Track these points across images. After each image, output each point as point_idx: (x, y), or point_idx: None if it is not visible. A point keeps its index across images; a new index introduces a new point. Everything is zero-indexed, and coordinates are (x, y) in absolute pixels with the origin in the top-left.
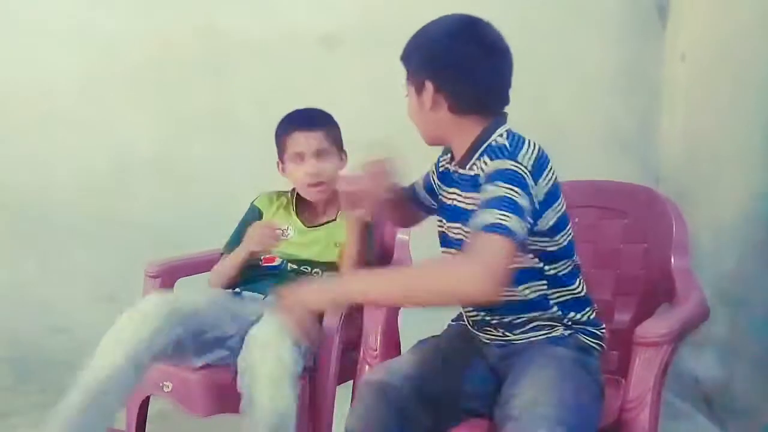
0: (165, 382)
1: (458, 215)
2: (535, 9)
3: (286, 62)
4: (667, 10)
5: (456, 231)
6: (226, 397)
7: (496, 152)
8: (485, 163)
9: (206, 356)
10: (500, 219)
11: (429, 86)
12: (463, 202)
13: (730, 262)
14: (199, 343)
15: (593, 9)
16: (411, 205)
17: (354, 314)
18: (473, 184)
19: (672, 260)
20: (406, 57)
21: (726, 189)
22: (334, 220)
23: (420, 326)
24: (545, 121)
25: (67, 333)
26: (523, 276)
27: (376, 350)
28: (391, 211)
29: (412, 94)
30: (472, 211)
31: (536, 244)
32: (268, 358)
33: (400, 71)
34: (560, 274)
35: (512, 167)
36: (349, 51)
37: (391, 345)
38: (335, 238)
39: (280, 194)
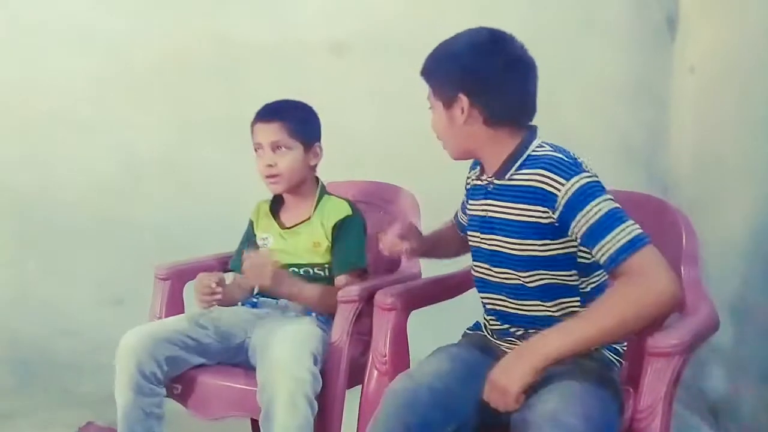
0: (174, 385)
1: (492, 226)
2: (545, 20)
3: (294, 68)
4: (677, 23)
5: (491, 242)
6: (236, 401)
7: (556, 167)
8: (543, 176)
9: (212, 358)
10: (629, 233)
11: (463, 100)
12: (500, 212)
13: (737, 273)
14: (199, 352)
15: (603, 20)
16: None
17: (363, 320)
18: (514, 193)
19: (682, 271)
20: (430, 72)
21: (733, 200)
22: (309, 219)
23: (428, 332)
24: (553, 131)
25: (70, 335)
26: (557, 292)
27: (386, 356)
28: (438, 251)
29: (440, 109)
30: (511, 221)
31: (582, 257)
32: (287, 377)
33: (408, 78)
34: (592, 288)
35: (589, 179)
36: (357, 58)
37: (401, 350)
38: (313, 238)
39: (267, 201)
